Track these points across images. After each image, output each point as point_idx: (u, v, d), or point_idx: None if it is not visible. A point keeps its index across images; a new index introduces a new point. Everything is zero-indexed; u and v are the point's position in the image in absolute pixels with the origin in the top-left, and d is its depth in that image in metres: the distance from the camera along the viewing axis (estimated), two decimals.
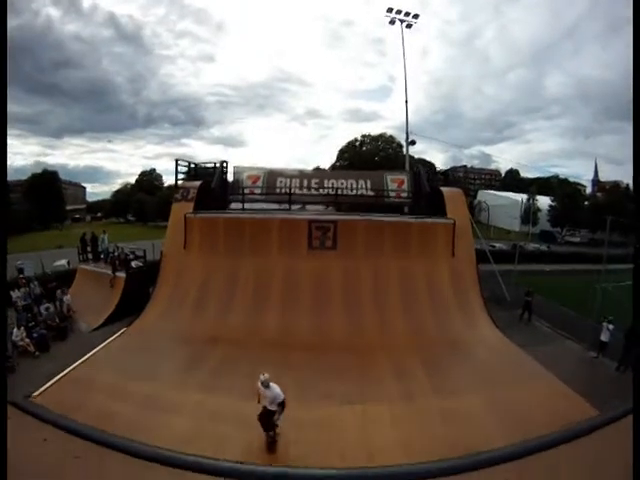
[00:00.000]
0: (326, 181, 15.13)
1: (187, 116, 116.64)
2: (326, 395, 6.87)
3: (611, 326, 10.63)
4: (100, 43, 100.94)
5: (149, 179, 67.62)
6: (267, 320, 10.01)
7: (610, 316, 10.89)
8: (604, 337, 10.69)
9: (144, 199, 54.05)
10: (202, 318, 10.08)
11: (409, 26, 29.68)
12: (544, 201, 47.07)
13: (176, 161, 14.53)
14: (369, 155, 45.78)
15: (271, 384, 5.50)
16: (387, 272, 11.11)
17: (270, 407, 5.47)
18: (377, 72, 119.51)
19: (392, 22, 29.55)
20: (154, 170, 69.88)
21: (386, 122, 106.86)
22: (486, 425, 6.21)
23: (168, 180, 56.57)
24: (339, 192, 14.59)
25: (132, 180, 70.18)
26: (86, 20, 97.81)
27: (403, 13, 29.27)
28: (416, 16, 29.30)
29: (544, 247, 36.04)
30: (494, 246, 26.01)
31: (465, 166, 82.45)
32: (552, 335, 12.66)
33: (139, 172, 72.69)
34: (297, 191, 14.64)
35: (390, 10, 29.17)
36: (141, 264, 13.27)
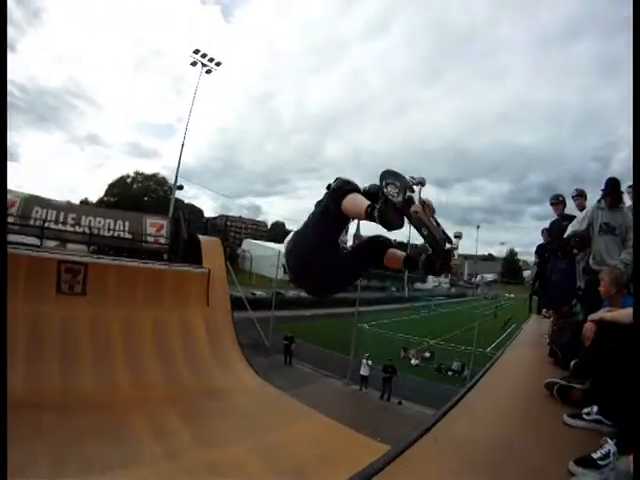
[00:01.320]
0: (84, 217, 13.83)
1: None
2: (87, 462, 6.04)
3: (369, 362, 12.51)
4: None
5: None
6: (11, 377, 8.10)
7: (367, 353, 12.87)
8: (364, 371, 12.34)
9: None
10: None
11: (209, 72, 30.03)
12: None
13: None
14: (139, 194, 44.82)
15: None
16: (140, 322, 10.58)
17: None
18: (168, 109, 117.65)
19: (194, 64, 29.60)
20: None
21: (163, 162, 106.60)
22: (259, 472, 6.20)
23: None
24: (96, 232, 13.66)
25: None
26: None
27: (207, 58, 29.58)
28: (219, 64, 29.93)
29: (303, 293, 41.47)
30: (254, 293, 26.89)
31: (226, 217, 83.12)
32: (314, 375, 13.54)
33: None
34: (53, 225, 13.14)
35: (197, 52, 29.23)
36: None
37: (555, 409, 2.24)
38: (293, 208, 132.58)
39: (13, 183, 13.65)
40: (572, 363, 2.62)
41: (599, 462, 1.41)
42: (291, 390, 10.49)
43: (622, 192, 3.84)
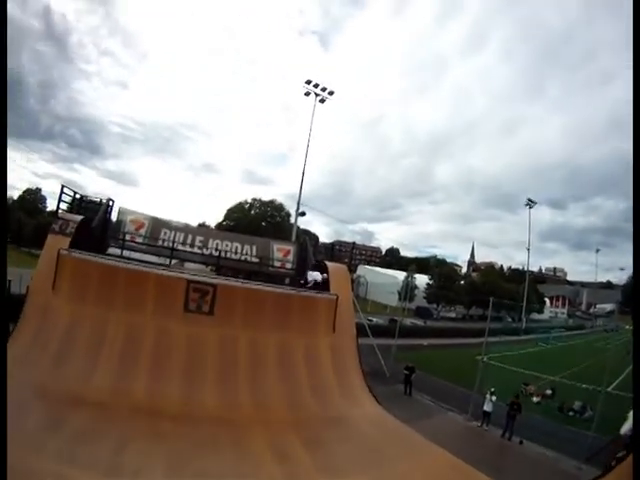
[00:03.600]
0: (211, 240, 14.65)
1: (86, 140, 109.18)
2: (201, 473, 6.23)
3: (494, 397, 11.80)
4: (27, 32, 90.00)
5: (34, 199, 60.44)
6: (136, 384, 8.92)
7: (491, 387, 12.13)
8: (487, 407, 11.77)
9: (24, 220, 48.08)
10: (64, 372, 8.67)
11: (322, 101, 31.36)
12: (422, 279, 51.31)
13: (62, 187, 13.22)
14: (257, 219, 46.04)
15: None
16: (265, 343, 10.66)
17: None
18: (279, 138, 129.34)
19: (307, 94, 31.03)
20: (40, 190, 62.76)
21: (277, 189, 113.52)
22: None
23: (52, 205, 51.56)
24: (222, 254, 14.28)
25: (15, 194, 60.90)
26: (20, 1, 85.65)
27: (320, 87, 30.87)
28: (331, 93, 31.15)
29: (421, 322, 38.62)
30: (371, 320, 26.37)
31: (354, 243, 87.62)
32: (435, 408, 13.31)
33: (24, 188, 63.77)
34: (180, 246, 13.99)
35: (309, 82, 30.72)
36: None
37: None
38: (406, 233, 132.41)
39: (132, 207, 15.58)
40: None
41: None
42: (411, 422, 10.17)
43: None
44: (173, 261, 14.24)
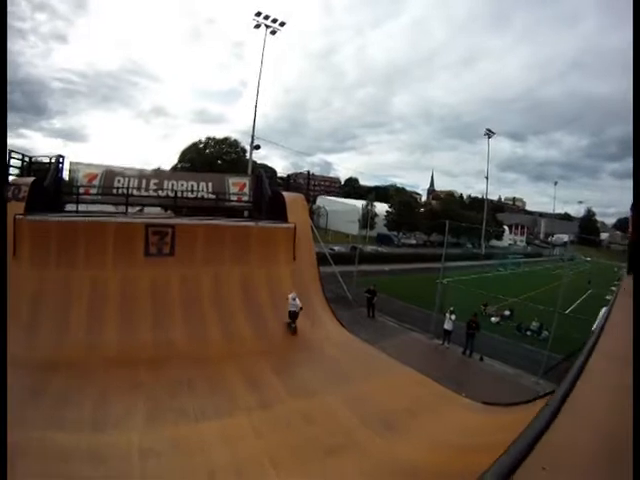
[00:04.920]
0: (166, 182, 14.40)
1: (29, 102, 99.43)
2: (180, 412, 6.51)
3: (453, 316, 12.46)
4: None
5: None
6: (107, 336, 9.09)
7: (451, 307, 12.80)
8: (447, 326, 12.39)
9: None
10: (36, 339, 8.74)
11: (273, 32, 30.04)
12: (382, 207, 51.99)
13: (9, 152, 12.50)
14: (212, 158, 45.54)
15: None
16: (228, 279, 10.82)
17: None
18: (230, 74, 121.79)
19: (257, 26, 29.64)
20: None
21: (232, 125, 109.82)
22: (348, 421, 6.43)
23: None
24: (179, 194, 14.16)
25: None
26: None
27: (270, 19, 29.45)
28: (283, 24, 29.76)
29: (382, 249, 39.78)
30: (333, 249, 26.73)
31: (309, 172, 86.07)
32: (398, 328, 13.80)
33: None
34: (135, 192, 13.79)
35: (259, 14, 29.21)
36: None
37: None
38: (365, 163, 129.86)
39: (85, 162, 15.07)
40: None
41: None
42: (376, 342, 10.75)
43: None
44: (136, 209, 14.21)
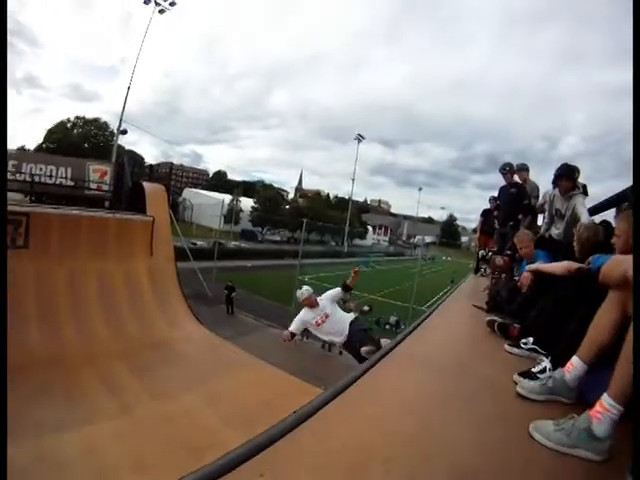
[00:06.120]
0: (25, 164, 12.77)
1: None
2: (37, 425, 5.82)
3: None
4: None
5: None
6: None
7: None
8: None
9: None
10: None
11: (162, 12, 28.70)
12: (247, 202, 52.27)
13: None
14: (80, 140, 42.01)
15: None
16: (84, 274, 10.16)
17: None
18: (113, 51, 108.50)
19: (147, 2, 28.23)
20: None
21: (105, 106, 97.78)
22: (210, 420, 6.47)
23: None
24: (37, 179, 12.74)
25: None
26: None
27: None
28: (173, 4, 28.55)
29: (245, 244, 39.98)
30: (195, 244, 26.13)
31: (172, 163, 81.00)
32: (256, 325, 13.97)
33: None
34: None
35: None
36: None
37: (497, 342, 2.70)
38: (236, 157, 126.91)
39: None
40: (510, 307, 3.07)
41: (538, 374, 1.84)
42: (234, 339, 10.88)
43: (576, 179, 3.77)
44: None
